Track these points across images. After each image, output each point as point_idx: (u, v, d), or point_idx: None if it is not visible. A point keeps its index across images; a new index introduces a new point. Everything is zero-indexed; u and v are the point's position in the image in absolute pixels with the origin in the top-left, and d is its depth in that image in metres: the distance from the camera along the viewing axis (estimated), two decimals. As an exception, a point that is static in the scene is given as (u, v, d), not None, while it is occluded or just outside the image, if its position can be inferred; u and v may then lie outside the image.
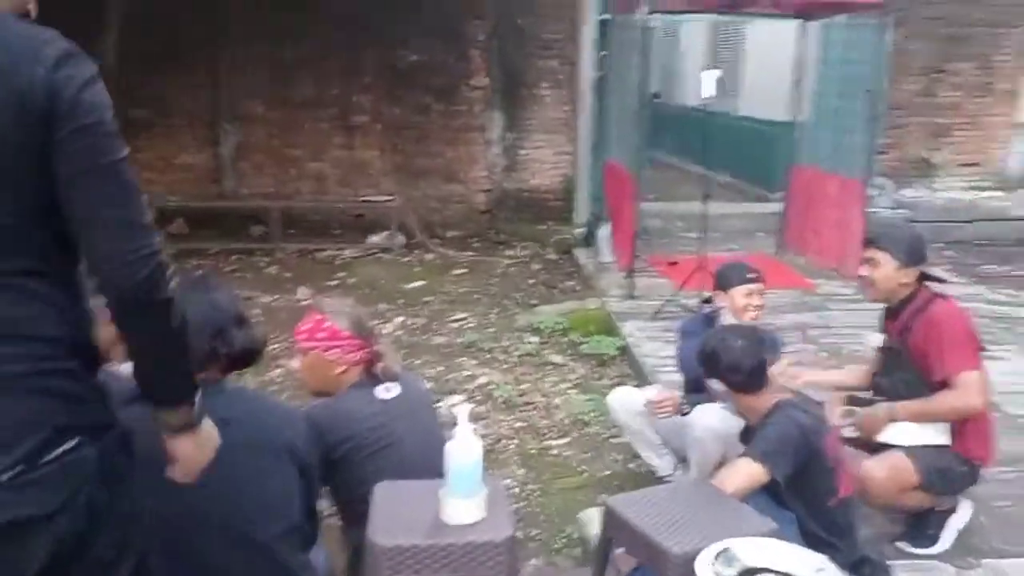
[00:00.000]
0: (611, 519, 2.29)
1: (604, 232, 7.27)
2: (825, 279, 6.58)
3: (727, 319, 3.35)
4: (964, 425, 2.94)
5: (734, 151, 9.95)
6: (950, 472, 2.95)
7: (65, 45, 1.29)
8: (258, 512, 1.85)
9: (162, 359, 1.38)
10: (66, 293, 1.33)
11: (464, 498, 1.92)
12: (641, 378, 4.68)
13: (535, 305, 6.39)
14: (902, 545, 3.01)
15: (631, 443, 3.62)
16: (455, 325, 5.96)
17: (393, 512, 1.99)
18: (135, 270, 1.27)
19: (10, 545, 1.25)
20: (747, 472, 2.45)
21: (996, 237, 8.04)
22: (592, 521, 3.03)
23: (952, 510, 3.06)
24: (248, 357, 1.96)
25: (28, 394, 1.26)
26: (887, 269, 2.98)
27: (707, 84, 5.49)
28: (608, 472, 3.79)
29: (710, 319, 3.51)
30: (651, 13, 6.12)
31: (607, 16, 7.77)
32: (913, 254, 2.99)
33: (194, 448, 1.47)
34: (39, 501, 1.25)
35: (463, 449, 1.93)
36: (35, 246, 1.28)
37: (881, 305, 3.15)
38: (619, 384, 4.40)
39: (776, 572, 1.81)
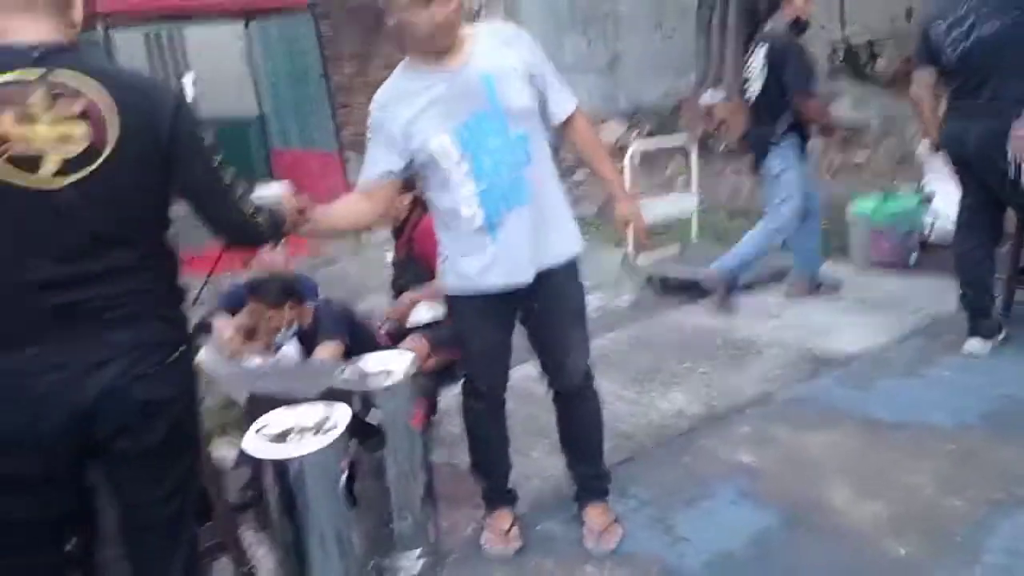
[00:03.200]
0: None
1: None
2: (326, 242, 7.58)
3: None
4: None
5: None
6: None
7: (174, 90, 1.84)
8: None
9: None
10: (165, 268, 1.90)
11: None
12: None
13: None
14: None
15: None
16: None
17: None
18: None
19: (148, 419, 1.79)
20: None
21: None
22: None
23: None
24: None
25: (157, 320, 1.84)
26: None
27: (189, 88, 5.96)
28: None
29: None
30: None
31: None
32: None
33: None
34: (170, 386, 1.84)
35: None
36: (151, 243, 1.87)
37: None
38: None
39: (303, 426, 2.38)
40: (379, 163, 2.52)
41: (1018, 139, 3.47)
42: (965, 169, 3.83)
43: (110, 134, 1.68)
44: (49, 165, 1.64)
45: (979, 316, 3.93)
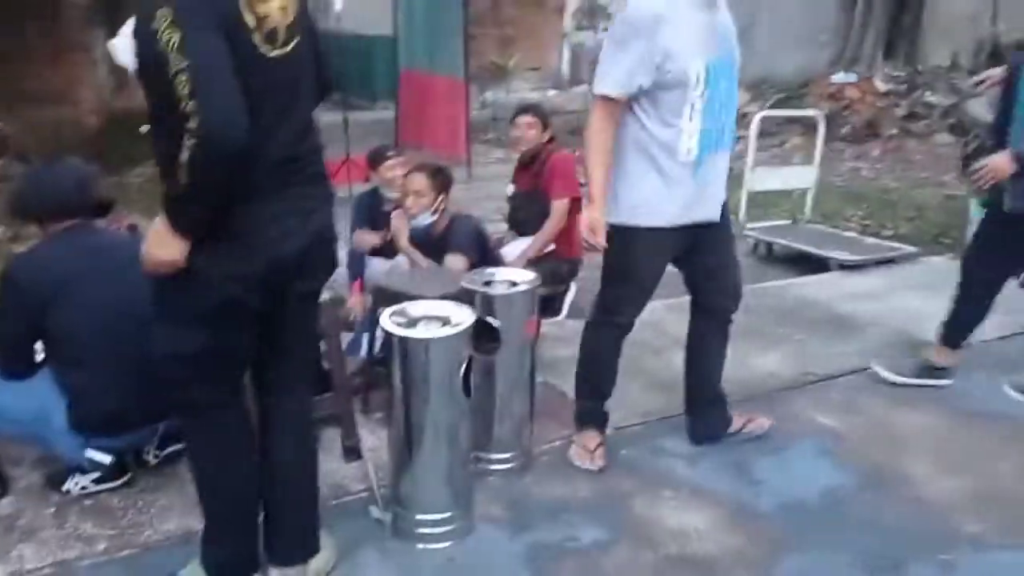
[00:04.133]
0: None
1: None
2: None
3: (385, 193, 4.25)
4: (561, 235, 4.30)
5: (337, 67, 10.72)
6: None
7: None
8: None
9: None
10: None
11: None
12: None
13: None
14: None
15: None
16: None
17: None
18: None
19: (328, 264, 2.17)
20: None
21: (559, 128, 9.97)
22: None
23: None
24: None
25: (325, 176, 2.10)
26: (535, 131, 4.31)
27: (337, 3, 6.20)
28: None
29: (373, 193, 4.37)
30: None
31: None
32: (547, 116, 4.28)
33: None
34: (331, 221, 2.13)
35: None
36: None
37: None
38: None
39: (433, 316, 2.58)
40: (635, 75, 2.54)
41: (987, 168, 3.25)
42: None
43: (291, 6, 1.92)
44: (282, 35, 1.87)
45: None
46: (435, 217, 3.74)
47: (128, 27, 1.88)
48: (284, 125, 1.91)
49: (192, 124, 1.65)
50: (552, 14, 10.94)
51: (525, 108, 4.57)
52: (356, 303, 4.01)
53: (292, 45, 1.90)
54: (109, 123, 9.05)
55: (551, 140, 4.43)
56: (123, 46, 1.92)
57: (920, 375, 3.64)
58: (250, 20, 1.80)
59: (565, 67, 11.13)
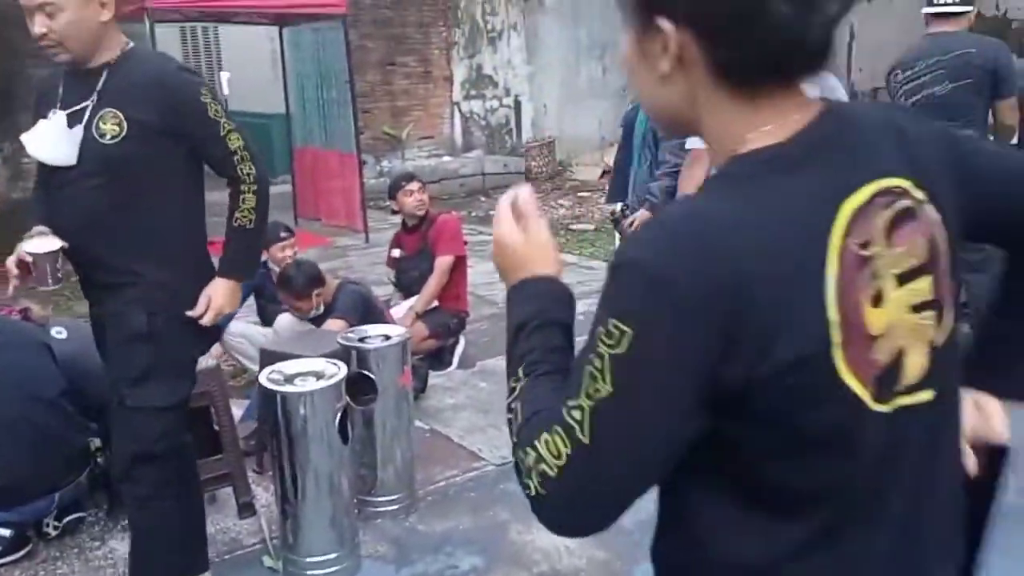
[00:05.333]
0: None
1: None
2: (340, 236, 8.09)
3: (272, 267, 4.47)
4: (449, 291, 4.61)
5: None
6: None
7: None
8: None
9: None
10: None
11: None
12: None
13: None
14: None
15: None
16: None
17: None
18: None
19: None
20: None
21: (454, 191, 10.39)
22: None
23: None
24: None
25: None
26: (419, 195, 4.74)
27: (224, 85, 6.46)
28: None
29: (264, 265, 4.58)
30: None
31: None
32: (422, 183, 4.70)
33: None
34: None
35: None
36: None
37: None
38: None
39: (308, 372, 2.83)
40: None
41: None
42: None
43: None
44: None
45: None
46: (321, 309, 4.06)
47: (54, 122, 2.18)
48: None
49: (251, 171, 2.28)
50: (441, 84, 11.42)
51: (408, 176, 4.91)
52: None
53: None
54: (2, 213, 9.02)
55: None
56: (50, 139, 2.19)
57: None
58: None
59: (457, 134, 11.58)
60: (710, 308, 0.81)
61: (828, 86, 3.09)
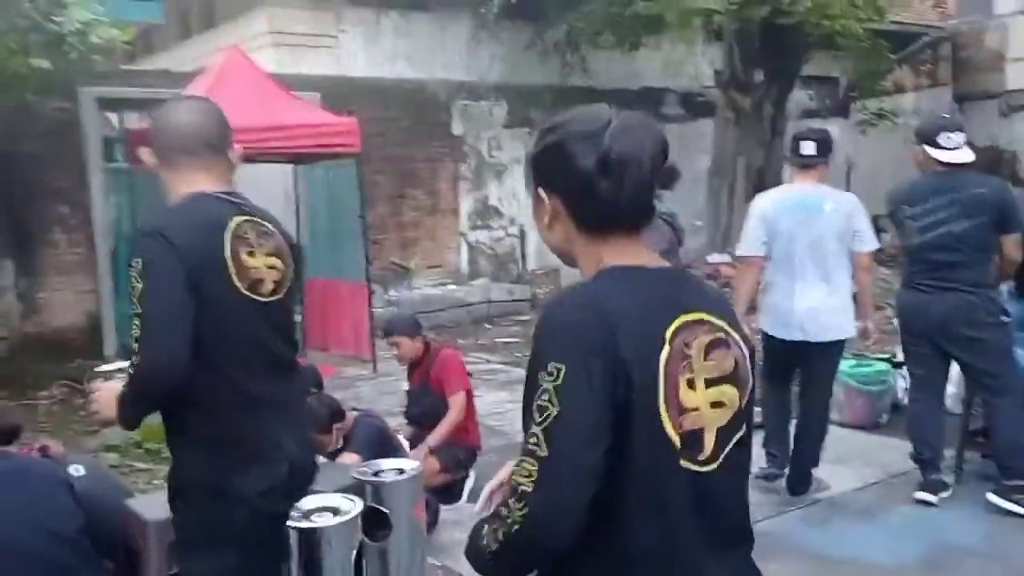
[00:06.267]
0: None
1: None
2: (348, 366, 8.16)
3: None
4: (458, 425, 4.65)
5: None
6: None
7: None
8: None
9: None
10: None
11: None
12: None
13: (96, 431, 6.82)
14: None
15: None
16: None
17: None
18: None
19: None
20: None
21: (461, 319, 10.54)
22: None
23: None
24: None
25: None
26: (407, 345, 4.62)
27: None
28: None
29: None
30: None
31: (121, 165, 8.61)
32: (417, 327, 4.68)
33: None
34: None
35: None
36: None
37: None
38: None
39: (324, 508, 2.79)
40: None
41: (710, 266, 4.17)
42: (923, 340, 4.34)
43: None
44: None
45: (929, 472, 4.37)
46: (340, 444, 4.12)
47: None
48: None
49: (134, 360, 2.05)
50: (448, 216, 11.77)
51: (387, 332, 4.93)
52: None
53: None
54: (16, 347, 9.15)
55: (427, 343, 4.85)
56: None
57: None
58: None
59: (464, 263, 11.83)
60: (599, 341, 1.26)
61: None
